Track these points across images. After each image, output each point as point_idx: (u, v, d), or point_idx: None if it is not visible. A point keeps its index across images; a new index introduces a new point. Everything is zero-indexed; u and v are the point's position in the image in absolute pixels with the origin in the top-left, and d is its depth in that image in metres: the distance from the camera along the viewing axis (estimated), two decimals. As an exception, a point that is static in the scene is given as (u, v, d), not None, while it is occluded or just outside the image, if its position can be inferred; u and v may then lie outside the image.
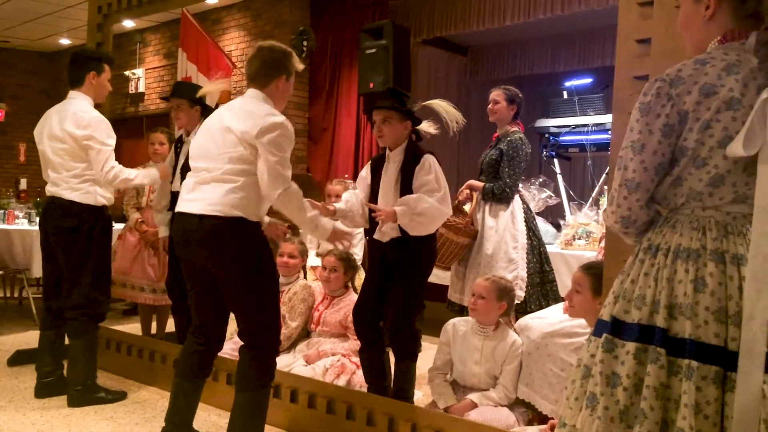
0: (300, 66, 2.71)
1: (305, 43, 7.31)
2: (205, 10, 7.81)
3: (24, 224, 5.30)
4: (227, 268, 2.46)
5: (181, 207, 2.55)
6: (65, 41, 9.75)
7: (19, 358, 3.93)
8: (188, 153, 3.50)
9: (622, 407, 1.39)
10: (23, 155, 10.12)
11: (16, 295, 5.94)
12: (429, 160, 2.97)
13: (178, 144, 3.83)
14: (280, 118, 2.49)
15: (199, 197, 2.47)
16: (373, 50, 6.35)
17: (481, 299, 2.98)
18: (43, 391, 3.40)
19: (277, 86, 2.60)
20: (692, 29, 1.53)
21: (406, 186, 2.93)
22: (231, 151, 2.45)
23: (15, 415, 3.12)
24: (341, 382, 3.30)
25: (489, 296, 2.97)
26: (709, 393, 1.32)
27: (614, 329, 1.45)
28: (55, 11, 8.11)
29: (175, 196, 3.61)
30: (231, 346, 3.76)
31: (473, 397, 2.91)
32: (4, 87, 10.25)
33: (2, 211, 5.48)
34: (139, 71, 8.99)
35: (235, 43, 7.79)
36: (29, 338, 4.43)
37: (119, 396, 3.40)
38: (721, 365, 1.33)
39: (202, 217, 2.43)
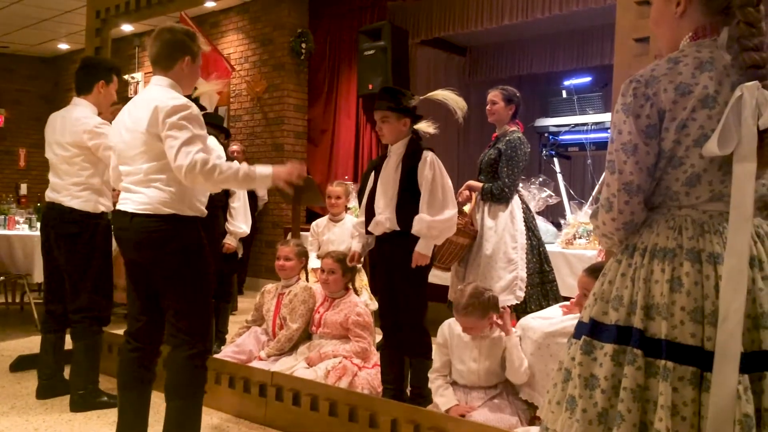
0: (206, 47, 2.64)
1: (304, 45, 7.32)
2: (203, 13, 7.83)
3: (25, 229, 5.30)
4: (161, 265, 2.40)
5: (118, 205, 2.50)
6: (64, 46, 9.76)
7: (21, 364, 3.93)
8: None
9: (600, 409, 1.38)
10: (23, 160, 10.13)
11: (17, 300, 5.94)
12: (429, 156, 3.05)
13: None
14: (181, 99, 2.38)
15: (131, 197, 2.43)
16: (371, 51, 6.36)
17: (471, 330, 2.99)
18: (43, 392, 3.42)
19: (182, 68, 2.50)
20: (664, 26, 1.52)
21: (405, 178, 3.03)
22: (145, 149, 2.38)
23: (17, 420, 3.12)
24: (343, 384, 3.29)
25: (475, 322, 2.96)
26: (686, 394, 1.30)
27: (592, 331, 1.44)
28: (53, 16, 8.13)
29: None
30: (233, 349, 3.77)
31: (493, 402, 2.92)
32: (3, 92, 10.26)
33: (3, 217, 5.48)
34: (137, 75, 9.00)
35: (233, 47, 7.80)
36: (31, 343, 4.43)
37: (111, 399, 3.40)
38: (697, 365, 1.31)
39: (133, 216, 2.38)
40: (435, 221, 2.97)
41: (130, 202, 2.42)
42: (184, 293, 2.42)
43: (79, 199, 3.30)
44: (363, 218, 3.27)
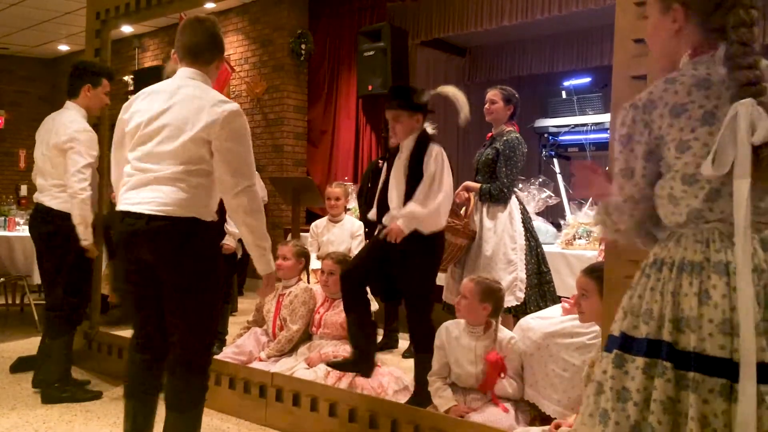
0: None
1: (303, 46, 7.33)
2: (203, 14, 7.81)
3: (25, 231, 5.28)
4: (178, 271, 2.25)
5: (125, 205, 2.30)
6: (64, 47, 9.77)
7: (21, 365, 3.93)
8: None
9: (633, 422, 1.38)
10: (23, 162, 10.13)
11: (17, 301, 5.94)
12: (436, 149, 3.12)
13: None
14: (235, 105, 2.30)
15: (145, 196, 2.25)
16: (371, 52, 6.36)
17: (464, 299, 2.99)
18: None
19: (216, 68, 2.44)
20: (659, 41, 1.53)
21: (413, 173, 3.10)
22: (182, 151, 2.23)
23: (18, 421, 3.12)
24: (343, 384, 3.29)
25: (471, 297, 2.97)
26: (717, 406, 1.31)
27: (623, 345, 1.45)
28: (53, 18, 8.13)
29: None
30: (233, 350, 3.78)
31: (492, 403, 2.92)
32: (3, 94, 10.26)
33: (3, 218, 5.49)
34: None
35: (233, 48, 7.80)
36: (31, 345, 4.42)
37: (93, 395, 3.47)
38: (727, 377, 1.32)
39: (151, 218, 2.21)
40: (418, 212, 3.04)
41: (146, 203, 2.24)
42: (198, 303, 2.31)
43: (57, 199, 3.40)
44: (375, 210, 3.31)
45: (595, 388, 1.49)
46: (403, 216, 3.05)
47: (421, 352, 3.18)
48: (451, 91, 3.20)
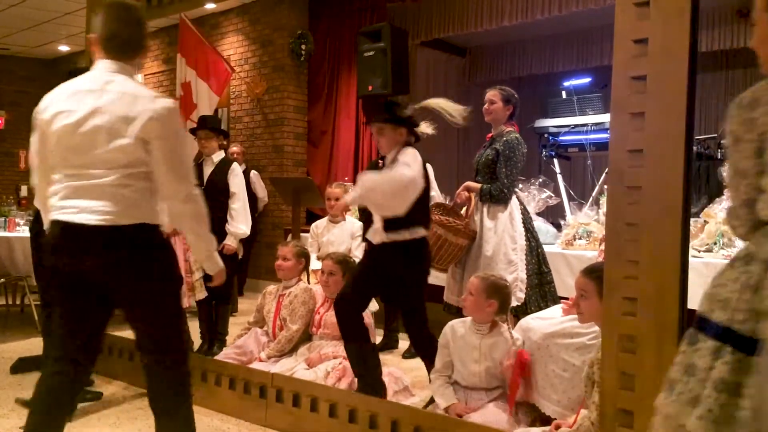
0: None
1: (304, 46, 7.33)
2: (203, 15, 7.83)
3: (25, 231, 5.29)
4: (134, 280, 2.14)
5: (67, 216, 2.12)
6: (64, 48, 9.77)
7: (22, 366, 3.94)
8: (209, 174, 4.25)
9: (694, 395, 1.44)
10: (23, 162, 10.13)
11: (18, 302, 5.94)
12: (409, 149, 3.07)
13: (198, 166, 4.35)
14: (171, 100, 2.19)
15: (84, 205, 2.10)
16: (371, 53, 6.36)
17: (470, 296, 3.00)
18: None
19: (139, 62, 2.30)
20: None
21: None
22: (121, 155, 2.09)
23: (18, 422, 3.11)
24: (343, 385, 3.30)
25: (477, 294, 2.98)
26: None
27: (700, 325, 1.50)
28: (53, 18, 8.14)
29: None
30: (235, 350, 3.78)
31: (493, 403, 2.92)
32: (3, 94, 10.27)
33: (3, 219, 5.49)
34: (138, 77, 8.96)
35: (233, 48, 7.80)
36: (32, 345, 4.43)
37: (94, 396, 3.48)
38: None
39: (97, 229, 2.07)
40: (375, 175, 3.00)
41: (89, 212, 2.09)
42: (161, 305, 2.22)
43: None
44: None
45: (689, 371, 1.51)
46: (359, 187, 2.94)
47: (429, 360, 3.19)
48: (435, 103, 3.18)
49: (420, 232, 3.10)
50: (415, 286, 3.18)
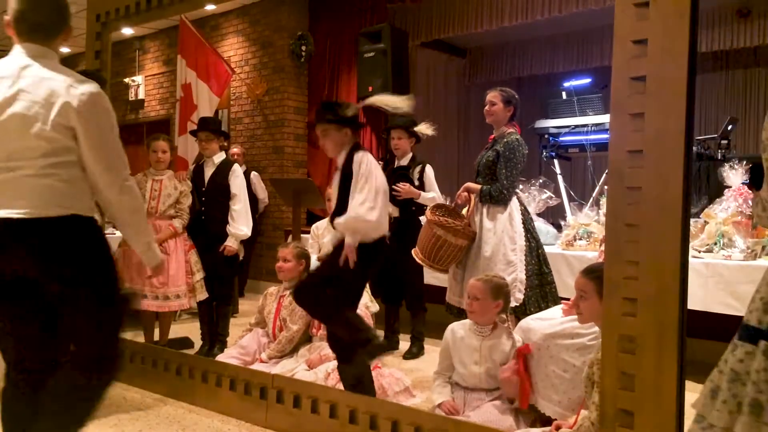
0: None
1: (304, 47, 7.34)
2: (203, 16, 7.84)
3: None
4: (68, 275, 2.00)
5: None
6: (64, 49, 9.77)
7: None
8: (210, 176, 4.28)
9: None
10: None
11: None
12: (360, 156, 3.01)
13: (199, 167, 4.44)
14: (95, 85, 2.05)
15: (15, 199, 1.96)
16: (371, 54, 6.36)
17: (476, 300, 3.00)
18: None
19: (61, 43, 2.13)
20: None
21: (344, 186, 3.02)
22: (44, 140, 1.96)
23: None
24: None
25: (484, 296, 3.00)
26: None
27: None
28: (54, 20, 8.13)
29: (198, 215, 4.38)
30: (238, 351, 3.79)
31: (487, 409, 2.92)
32: (4, 96, 10.26)
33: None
34: (138, 78, 9.01)
35: (233, 49, 7.81)
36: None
37: None
38: None
39: (23, 223, 1.94)
40: (344, 218, 2.92)
41: (12, 207, 1.96)
42: (89, 313, 2.04)
43: None
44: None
45: (730, 375, 1.53)
46: (343, 229, 2.93)
47: (343, 361, 3.07)
48: (377, 99, 3.13)
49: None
50: (347, 275, 2.99)
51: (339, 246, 3.00)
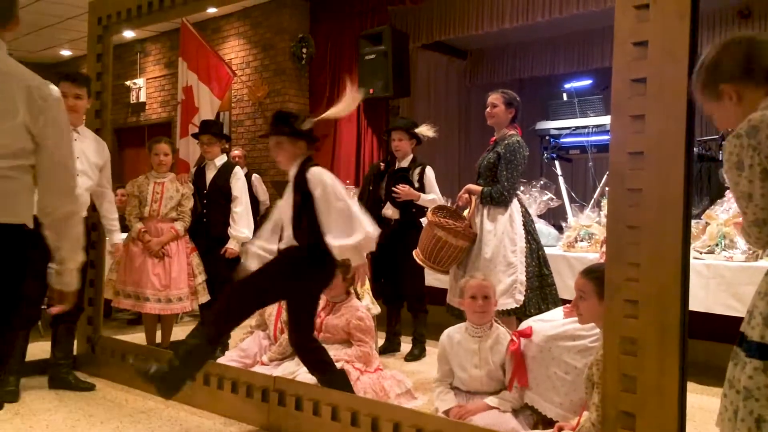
0: None
1: (305, 50, 7.35)
2: (204, 19, 7.85)
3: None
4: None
5: None
6: (66, 52, 9.79)
7: (24, 370, 3.93)
8: (212, 178, 4.33)
9: None
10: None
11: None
12: (313, 173, 2.94)
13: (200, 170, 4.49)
14: (54, 88, 1.96)
15: None
16: (372, 56, 6.37)
17: (486, 299, 3.01)
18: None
19: (13, 29, 2.02)
20: (733, 120, 1.63)
21: (298, 201, 2.95)
22: (9, 138, 1.87)
23: (21, 427, 3.12)
24: (345, 388, 3.29)
25: (491, 295, 3.04)
26: None
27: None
28: (55, 23, 8.15)
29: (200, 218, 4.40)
30: (239, 353, 3.79)
31: (489, 400, 2.91)
32: (6, 99, 10.27)
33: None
34: (139, 81, 9.03)
35: (235, 52, 7.82)
36: (35, 349, 4.43)
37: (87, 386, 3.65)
38: None
39: None
40: (344, 246, 2.84)
41: None
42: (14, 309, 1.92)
43: None
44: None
45: (744, 394, 1.54)
46: (341, 251, 2.85)
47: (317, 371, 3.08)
48: (331, 112, 3.12)
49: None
50: (303, 295, 3.00)
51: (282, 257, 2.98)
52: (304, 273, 2.94)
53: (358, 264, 2.97)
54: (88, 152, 3.66)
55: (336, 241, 2.82)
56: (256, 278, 2.99)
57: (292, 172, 3.03)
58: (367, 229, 2.84)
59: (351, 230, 2.83)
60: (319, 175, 2.91)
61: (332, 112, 3.14)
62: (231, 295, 2.96)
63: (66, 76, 3.60)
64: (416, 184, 4.52)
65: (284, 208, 3.08)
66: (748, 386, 1.52)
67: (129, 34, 8.54)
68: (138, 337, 4.55)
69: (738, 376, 1.57)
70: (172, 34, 8.21)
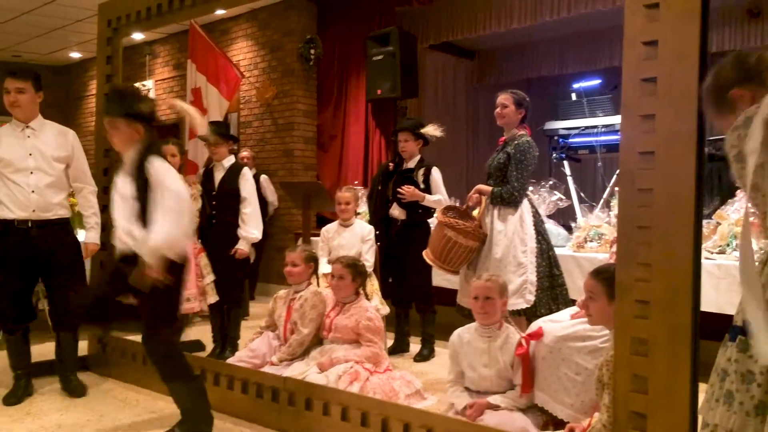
0: None
1: (312, 51, 7.36)
2: (213, 21, 7.88)
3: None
4: None
5: None
6: (76, 54, 9.85)
7: (36, 370, 3.96)
8: (220, 180, 4.24)
9: (757, 402, 1.51)
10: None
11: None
12: (154, 160, 2.74)
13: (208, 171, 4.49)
14: None
15: None
16: (380, 57, 6.38)
17: (488, 300, 3.00)
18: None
19: None
20: (724, 122, 1.69)
21: (137, 188, 2.74)
22: None
23: (32, 426, 3.14)
24: (355, 388, 3.30)
25: (494, 295, 3.01)
26: None
27: (747, 331, 1.54)
28: (65, 25, 8.21)
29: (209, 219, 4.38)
30: (248, 354, 3.80)
31: (493, 399, 2.91)
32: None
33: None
34: (148, 83, 9.07)
35: (243, 53, 7.85)
36: (45, 350, 4.45)
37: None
38: None
39: None
40: (152, 244, 2.63)
41: None
42: None
43: None
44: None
45: (720, 375, 1.62)
46: (149, 253, 2.63)
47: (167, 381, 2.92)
48: (180, 105, 2.96)
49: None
50: (160, 302, 2.76)
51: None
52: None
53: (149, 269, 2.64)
54: (45, 147, 3.56)
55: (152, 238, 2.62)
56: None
57: (130, 157, 2.79)
58: (178, 232, 2.64)
59: (168, 228, 2.62)
60: (155, 166, 2.69)
61: (183, 108, 3.01)
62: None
63: (8, 71, 3.55)
64: (421, 185, 4.52)
65: (117, 202, 2.83)
66: (726, 368, 1.59)
67: (138, 36, 8.58)
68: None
69: (719, 360, 1.65)
70: (180, 36, 8.24)
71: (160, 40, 8.94)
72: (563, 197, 4.77)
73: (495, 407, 2.88)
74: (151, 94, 9.02)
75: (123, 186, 2.79)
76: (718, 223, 4.00)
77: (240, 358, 3.80)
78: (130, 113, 2.78)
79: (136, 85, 9.02)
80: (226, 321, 4.47)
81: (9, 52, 9.49)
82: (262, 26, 7.68)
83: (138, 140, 2.81)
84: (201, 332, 4.89)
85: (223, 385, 3.35)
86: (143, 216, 2.70)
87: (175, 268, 2.74)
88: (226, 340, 4.43)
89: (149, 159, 2.72)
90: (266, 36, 7.65)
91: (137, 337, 4.17)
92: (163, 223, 2.63)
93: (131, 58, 9.06)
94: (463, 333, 3.12)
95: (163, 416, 3.32)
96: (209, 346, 4.59)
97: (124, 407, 3.46)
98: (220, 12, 7.45)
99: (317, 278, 4.17)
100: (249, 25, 7.82)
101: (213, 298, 4.36)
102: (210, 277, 4.37)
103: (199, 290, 4.33)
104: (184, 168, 5.67)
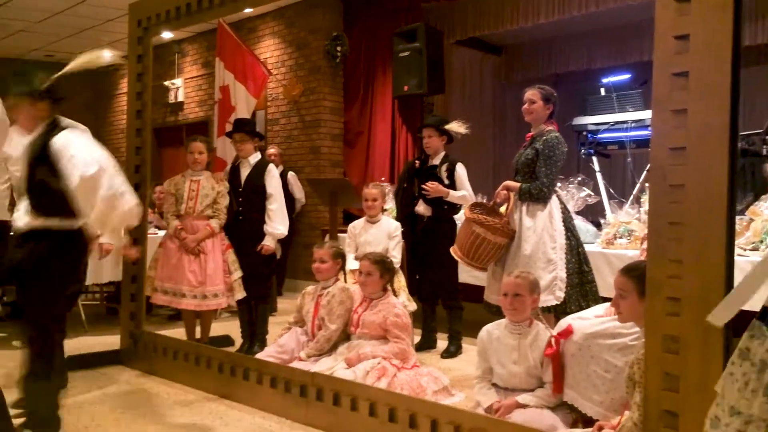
0: None
1: (339, 48, 7.38)
2: (240, 19, 7.94)
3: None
4: None
5: None
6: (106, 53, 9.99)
7: (68, 364, 4.04)
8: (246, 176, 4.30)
9: None
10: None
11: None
12: (58, 139, 2.69)
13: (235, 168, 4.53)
14: None
15: None
16: (406, 53, 6.36)
17: (517, 297, 2.99)
18: None
19: None
20: None
21: (34, 167, 2.71)
22: None
23: (67, 418, 3.20)
24: (383, 384, 3.31)
25: (524, 292, 3.00)
26: None
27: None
28: (95, 25, 8.34)
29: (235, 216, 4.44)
30: (276, 349, 3.83)
31: (522, 398, 2.90)
32: (49, 100, 10.53)
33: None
34: (178, 81, 9.18)
35: (270, 51, 7.90)
36: (80, 344, 4.55)
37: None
38: None
39: None
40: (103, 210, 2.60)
41: None
42: None
43: None
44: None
45: (759, 366, 1.52)
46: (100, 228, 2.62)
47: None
48: (76, 64, 2.89)
49: (74, 223, 2.70)
50: (47, 288, 2.67)
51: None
52: (49, 256, 2.64)
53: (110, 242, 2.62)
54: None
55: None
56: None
57: (33, 135, 2.72)
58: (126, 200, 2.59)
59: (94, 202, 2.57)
60: (65, 141, 2.61)
61: (77, 63, 2.93)
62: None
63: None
64: (445, 181, 4.51)
65: (20, 181, 2.76)
66: (765, 359, 1.50)
67: (167, 35, 8.69)
68: (178, 332, 4.63)
69: (756, 350, 1.54)
70: (208, 35, 8.32)
71: (188, 39, 9.05)
72: (592, 193, 4.72)
73: (523, 407, 2.87)
74: (180, 93, 9.14)
75: (22, 166, 2.73)
76: (751, 220, 3.93)
77: (268, 353, 3.84)
78: (32, 93, 2.72)
79: (165, 83, 9.15)
80: (254, 317, 4.52)
81: (42, 52, 9.67)
82: (289, 24, 7.72)
83: (43, 118, 2.75)
84: (230, 327, 4.95)
85: (252, 380, 3.39)
86: (41, 197, 2.63)
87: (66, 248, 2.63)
88: (255, 335, 4.48)
89: (56, 137, 2.64)
90: (293, 33, 7.70)
91: (166, 332, 4.24)
92: (92, 198, 2.55)
93: (161, 56, 9.18)
94: (493, 329, 3.11)
95: (193, 409, 3.37)
96: (238, 341, 4.64)
97: (155, 400, 3.52)
98: (247, 10, 7.50)
99: (344, 274, 4.18)
100: (276, 23, 7.87)
101: (240, 294, 4.41)
102: (237, 274, 4.42)
103: (226, 286, 4.38)
104: (212, 165, 5.73)
